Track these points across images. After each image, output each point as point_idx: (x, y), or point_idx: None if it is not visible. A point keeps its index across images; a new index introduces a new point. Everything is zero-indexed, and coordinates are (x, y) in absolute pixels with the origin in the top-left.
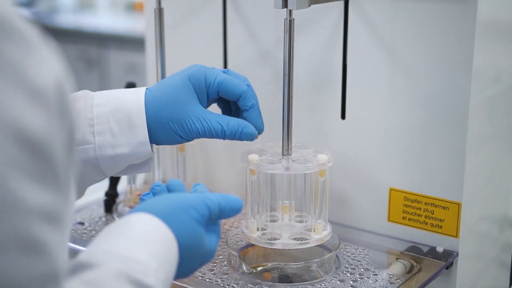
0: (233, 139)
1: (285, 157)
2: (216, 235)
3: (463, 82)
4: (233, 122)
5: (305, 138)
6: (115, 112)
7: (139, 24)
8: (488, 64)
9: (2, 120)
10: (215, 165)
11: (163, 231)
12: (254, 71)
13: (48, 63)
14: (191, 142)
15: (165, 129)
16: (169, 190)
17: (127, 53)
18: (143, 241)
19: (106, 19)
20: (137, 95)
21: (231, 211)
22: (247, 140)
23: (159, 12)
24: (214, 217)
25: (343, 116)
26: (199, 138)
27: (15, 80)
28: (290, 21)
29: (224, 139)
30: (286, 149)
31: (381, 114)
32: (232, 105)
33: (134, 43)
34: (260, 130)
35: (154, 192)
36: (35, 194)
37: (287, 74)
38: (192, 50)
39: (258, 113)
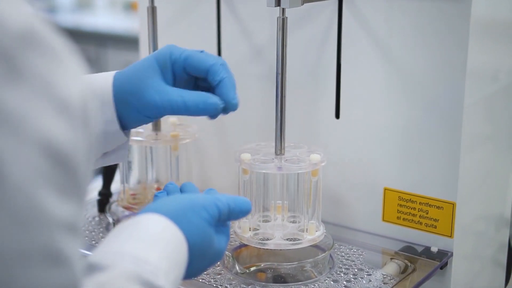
0: (197, 114)
1: (278, 156)
2: (225, 236)
3: (458, 81)
4: (195, 94)
5: (298, 138)
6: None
7: (137, 24)
8: (484, 63)
9: (30, 132)
10: (208, 165)
11: (173, 231)
12: (248, 70)
13: (74, 75)
14: (184, 142)
15: (128, 106)
16: (182, 191)
17: (125, 53)
18: (153, 241)
19: (104, 18)
20: (107, 76)
21: (240, 212)
22: (212, 114)
23: (152, 10)
24: (224, 218)
25: (337, 115)
26: (162, 114)
27: (43, 92)
28: (283, 19)
29: (187, 114)
30: (279, 148)
31: (375, 114)
32: (205, 84)
33: (133, 42)
34: (232, 105)
35: (167, 190)
36: (60, 207)
37: (280, 73)
38: (185, 46)
39: (230, 87)
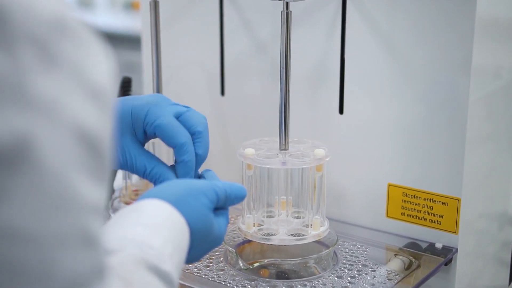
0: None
1: (282, 151)
2: (224, 218)
3: (462, 77)
4: (158, 168)
5: (302, 133)
6: None
7: (137, 23)
8: (487, 60)
9: (65, 117)
10: (210, 160)
11: (175, 216)
12: (251, 65)
13: (102, 61)
14: None
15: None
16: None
17: (125, 52)
18: (157, 227)
19: (104, 17)
20: None
21: (235, 198)
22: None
23: (155, 5)
24: (221, 204)
25: (341, 110)
26: (126, 170)
27: (76, 78)
28: (287, 13)
29: (146, 179)
30: (283, 143)
31: (379, 109)
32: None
33: (133, 42)
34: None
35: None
36: (92, 190)
37: (284, 67)
38: (188, 43)
39: (188, 170)
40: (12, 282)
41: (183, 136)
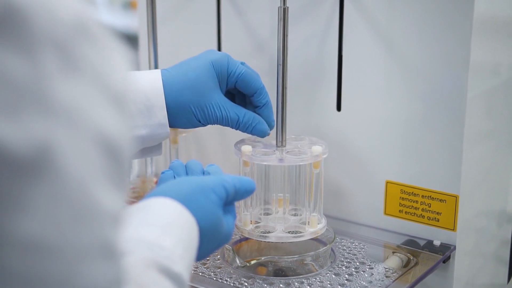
0: (245, 131)
1: (279, 148)
2: (232, 216)
3: (460, 74)
4: (248, 115)
5: (300, 130)
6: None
7: (135, 22)
8: (485, 57)
9: (87, 124)
10: (208, 158)
11: (185, 216)
12: (249, 62)
13: (122, 66)
14: (183, 135)
15: (185, 112)
16: (187, 168)
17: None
18: (166, 226)
19: (103, 16)
20: (154, 76)
21: (245, 192)
22: (257, 135)
23: (152, 2)
24: (231, 199)
25: (338, 107)
26: (215, 124)
27: (97, 83)
28: (284, 9)
29: (236, 129)
30: (280, 140)
31: (377, 106)
32: (245, 98)
33: (131, 40)
34: (271, 127)
35: (173, 168)
36: (112, 200)
37: (281, 63)
38: (185, 40)
39: (271, 111)
40: None
41: (260, 80)
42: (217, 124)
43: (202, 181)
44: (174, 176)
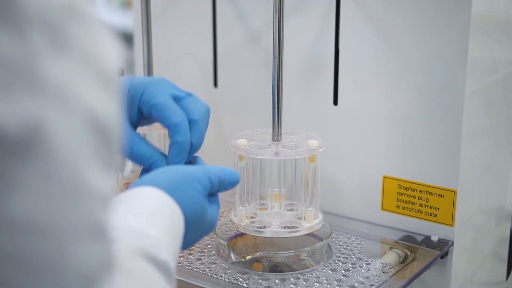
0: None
1: (275, 142)
2: (216, 206)
3: (458, 69)
4: (156, 157)
5: (296, 125)
6: None
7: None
8: (484, 53)
9: (77, 104)
10: (204, 152)
11: (169, 204)
12: (244, 56)
13: (111, 45)
14: None
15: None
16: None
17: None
18: (152, 215)
19: (101, 15)
20: None
21: (229, 184)
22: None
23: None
24: (214, 190)
25: (335, 102)
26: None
27: (87, 62)
28: (280, 1)
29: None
30: (276, 134)
31: (374, 100)
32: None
33: (129, 39)
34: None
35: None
36: (102, 180)
37: (276, 56)
38: (181, 35)
39: (179, 152)
40: (22, 274)
41: (178, 116)
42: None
43: (187, 170)
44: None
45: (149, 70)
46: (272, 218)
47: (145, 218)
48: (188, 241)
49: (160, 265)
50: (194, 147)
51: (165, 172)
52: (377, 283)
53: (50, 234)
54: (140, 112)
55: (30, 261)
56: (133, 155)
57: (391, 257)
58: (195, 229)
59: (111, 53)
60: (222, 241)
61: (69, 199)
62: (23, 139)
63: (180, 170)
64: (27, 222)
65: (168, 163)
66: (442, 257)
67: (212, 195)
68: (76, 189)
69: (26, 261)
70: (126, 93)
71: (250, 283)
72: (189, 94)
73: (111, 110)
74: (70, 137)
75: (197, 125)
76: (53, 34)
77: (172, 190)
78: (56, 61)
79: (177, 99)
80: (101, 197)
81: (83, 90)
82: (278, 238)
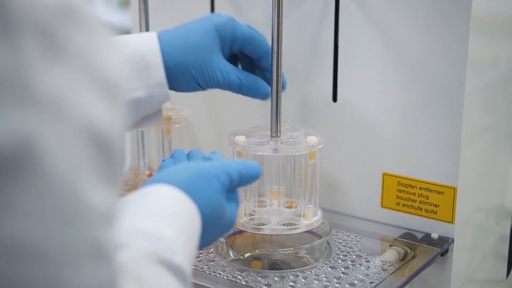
0: (248, 96)
1: (273, 139)
2: (235, 203)
3: (459, 66)
4: (251, 78)
5: (295, 121)
6: (126, 54)
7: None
8: (484, 50)
9: (74, 116)
10: (202, 149)
11: (186, 203)
12: None
13: (114, 53)
14: (177, 125)
15: (185, 74)
16: (189, 157)
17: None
18: (166, 215)
19: (102, 17)
20: (150, 36)
21: (250, 178)
22: (261, 98)
23: None
24: (234, 185)
25: (334, 98)
26: (216, 88)
27: (86, 70)
28: None
29: (239, 93)
30: (275, 130)
31: (374, 97)
32: (252, 62)
33: None
34: (283, 88)
35: (175, 156)
36: (102, 197)
37: (275, 52)
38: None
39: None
40: None
41: (268, 44)
42: (218, 88)
43: (204, 167)
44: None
45: None
46: (271, 215)
47: (158, 219)
48: (205, 241)
49: (174, 270)
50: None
51: (180, 169)
52: (376, 281)
53: (44, 258)
54: (230, 47)
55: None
56: (229, 82)
57: (391, 254)
58: (213, 229)
59: (114, 59)
60: (221, 238)
61: (65, 219)
62: (13, 157)
63: (197, 166)
64: (20, 246)
65: (268, 85)
66: (442, 255)
67: (231, 191)
68: (73, 208)
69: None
70: (216, 32)
71: (249, 281)
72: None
73: (113, 121)
74: (66, 153)
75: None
76: (47, 41)
77: (189, 188)
78: (51, 70)
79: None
80: (101, 214)
81: (81, 100)
82: (277, 235)
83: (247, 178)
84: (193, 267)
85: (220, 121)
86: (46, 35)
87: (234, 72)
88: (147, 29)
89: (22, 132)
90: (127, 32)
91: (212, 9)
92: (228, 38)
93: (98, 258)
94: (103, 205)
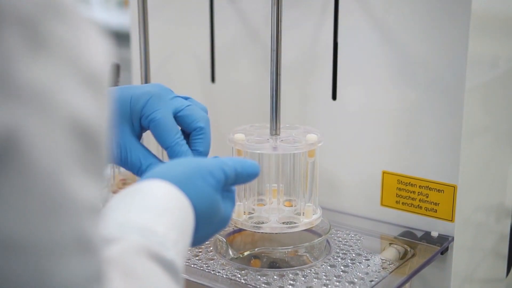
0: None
1: (273, 137)
2: (231, 202)
3: (459, 64)
4: (153, 167)
5: (294, 120)
6: None
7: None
8: (484, 49)
9: (58, 109)
10: None
11: (179, 199)
12: (242, 51)
13: (98, 44)
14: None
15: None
16: None
17: (119, 49)
18: (159, 210)
19: (98, 15)
20: None
21: (247, 176)
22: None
23: None
24: (230, 183)
25: (334, 97)
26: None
27: (70, 63)
28: None
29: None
30: (274, 128)
31: (373, 95)
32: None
33: (127, 39)
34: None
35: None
36: (87, 189)
37: (275, 49)
38: (178, 30)
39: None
40: None
41: (173, 134)
42: (120, 165)
43: (199, 163)
44: None
45: (146, 68)
46: (270, 213)
47: (152, 214)
48: (200, 238)
49: (166, 264)
50: (203, 154)
51: (176, 164)
52: (376, 279)
53: (29, 251)
54: (141, 124)
55: (8, 281)
56: (127, 162)
57: (391, 253)
58: (207, 225)
59: (98, 52)
60: (220, 237)
61: (50, 212)
62: None
63: (192, 162)
64: (5, 240)
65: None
66: (442, 253)
67: (227, 188)
68: (57, 201)
69: (4, 281)
70: (128, 104)
71: (248, 279)
72: (188, 100)
73: (98, 112)
74: (50, 146)
75: (203, 132)
76: (30, 33)
77: (183, 184)
78: (34, 62)
79: (177, 110)
80: (86, 206)
81: (64, 92)
82: (276, 233)
83: (244, 176)
84: (186, 263)
85: (219, 119)
86: (29, 27)
87: (137, 152)
88: (145, 30)
89: (5, 124)
90: (126, 32)
91: (212, 9)
92: (138, 112)
93: (83, 250)
94: (87, 197)
